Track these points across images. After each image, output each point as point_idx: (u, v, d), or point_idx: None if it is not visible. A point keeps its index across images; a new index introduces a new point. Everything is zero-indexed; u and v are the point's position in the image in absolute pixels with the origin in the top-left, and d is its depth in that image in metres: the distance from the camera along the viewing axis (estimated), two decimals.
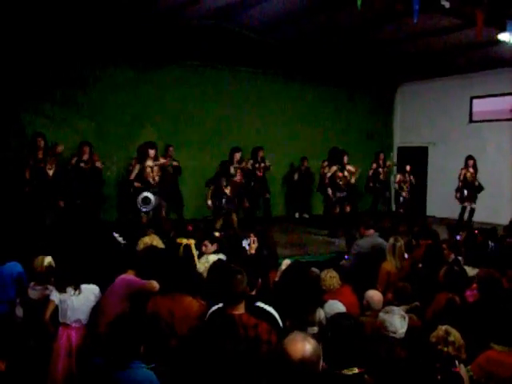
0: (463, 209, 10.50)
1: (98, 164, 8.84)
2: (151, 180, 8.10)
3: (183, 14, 9.02)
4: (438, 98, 13.18)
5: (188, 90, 11.25)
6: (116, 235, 6.26)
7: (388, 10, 8.36)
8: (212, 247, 5.47)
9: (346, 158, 10.00)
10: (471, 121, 12.70)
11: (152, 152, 8.14)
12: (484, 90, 12.23)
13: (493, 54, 10.45)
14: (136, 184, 8.10)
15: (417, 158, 13.39)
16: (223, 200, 8.89)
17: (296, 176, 12.15)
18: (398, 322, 3.51)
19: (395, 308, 3.70)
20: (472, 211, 10.50)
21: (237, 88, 11.82)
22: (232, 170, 9.21)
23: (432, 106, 13.37)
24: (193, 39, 9.85)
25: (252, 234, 5.52)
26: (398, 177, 10.82)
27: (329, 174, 10.00)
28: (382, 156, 11.24)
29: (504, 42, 8.31)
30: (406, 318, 3.58)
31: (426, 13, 7.60)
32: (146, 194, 7.93)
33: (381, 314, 3.62)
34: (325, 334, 3.08)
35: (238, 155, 9.57)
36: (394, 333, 3.49)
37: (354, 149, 12.44)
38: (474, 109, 12.65)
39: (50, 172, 8.07)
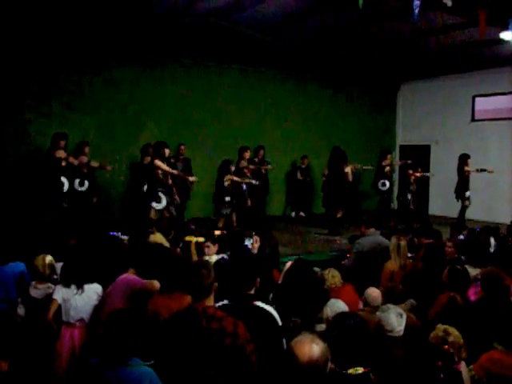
0: (464, 207, 10.45)
1: (109, 167, 9.18)
2: (163, 179, 8.12)
3: (185, 12, 9.01)
4: (441, 96, 13.16)
5: (190, 88, 11.26)
6: (115, 233, 6.25)
7: (389, 8, 8.35)
8: (214, 248, 5.48)
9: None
10: (473, 119, 12.68)
11: (168, 151, 8.14)
12: (486, 89, 12.21)
13: (495, 53, 10.43)
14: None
15: (419, 156, 13.37)
16: (226, 199, 8.95)
17: (299, 175, 12.17)
18: (394, 320, 3.48)
19: (391, 306, 3.65)
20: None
21: (239, 86, 11.84)
22: (233, 169, 9.23)
23: (434, 105, 13.35)
24: (195, 38, 9.85)
25: (254, 233, 5.51)
26: (415, 173, 10.68)
27: (349, 172, 10.00)
28: (388, 156, 11.12)
29: (506, 41, 8.29)
30: (404, 316, 3.55)
31: (428, 11, 7.61)
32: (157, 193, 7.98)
33: (377, 313, 3.60)
34: (329, 333, 3.07)
35: (247, 154, 9.57)
36: (391, 331, 3.46)
37: (355, 148, 12.47)
38: (477, 107, 12.63)
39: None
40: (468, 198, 10.34)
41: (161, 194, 7.95)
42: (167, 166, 8.06)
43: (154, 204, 7.89)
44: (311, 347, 2.31)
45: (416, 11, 6.58)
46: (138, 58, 10.53)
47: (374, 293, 4.26)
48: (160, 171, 7.90)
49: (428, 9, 7.42)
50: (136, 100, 10.66)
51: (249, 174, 9.72)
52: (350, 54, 11.40)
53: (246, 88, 11.92)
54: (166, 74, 11.03)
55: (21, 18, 8.51)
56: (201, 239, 5.65)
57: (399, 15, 8.51)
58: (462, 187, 10.28)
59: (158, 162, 7.85)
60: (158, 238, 5.62)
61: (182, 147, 10.37)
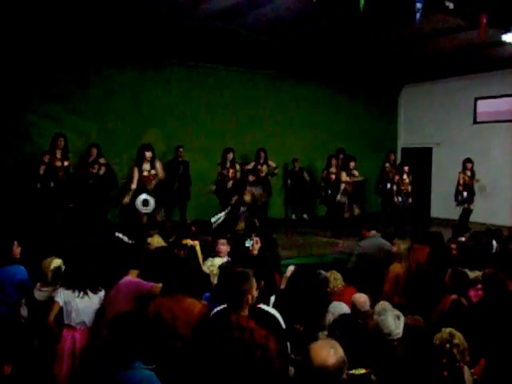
0: (464, 210, 10.44)
1: (101, 171, 9.14)
2: (147, 183, 8.11)
3: (187, 14, 9.02)
4: (442, 98, 13.16)
5: (192, 90, 11.27)
6: (119, 235, 6.26)
7: (391, 10, 8.35)
8: (227, 247, 5.47)
9: (352, 164, 10.03)
10: (475, 122, 12.67)
11: (148, 154, 8.08)
12: (488, 91, 12.20)
13: (497, 55, 10.42)
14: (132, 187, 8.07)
15: (421, 159, 13.38)
16: (241, 208, 9.13)
17: (289, 178, 12.19)
18: (392, 323, 3.45)
19: (388, 309, 3.62)
20: (470, 212, 10.48)
21: (241, 88, 11.85)
22: (250, 178, 9.30)
23: (436, 107, 13.34)
24: (196, 40, 9.86)
25: (255, 235, 5.51)
26: (396, 178, 10.71)
27: (344, 179, 9.99)
28: (392, 156, 11.04)
29: (508, 43, 8.30)
30: (402, 318, 3.52)
31: (430, 14, 7.60)
32: (144, 196, 8.00)
33: (375, 317, 3.56)
34: (331, 335, 3.06)
35: (230, 156, 9.59)
36: (389, 335, 3.43)
37: (356, 150, 12.43)
38: (479, 110, 12.62)
39: (61, 173, 8.14)
40: (464, 201, 10.32)
41: (147, 197, 7.98)
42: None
43: (141, 208, 7.93)
44: (328, 354, 2.30)
45: (418, 13, 6.58)
46: (141, 60, 10.55)
47: (361, 298, 4.25)
48: (144, 175, 8.01)
49: (430, 11, 7.41)
50: (138, 102, 10.67)
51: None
52: (351, 56, 11.39)
53: (247, 90, 11.92)
54: (168, 77, 11.04)
55: (23, 21, 8.52)
56: (196, 243, 5.67)
57: (401, 17, 8.50)
58: (456, 191, 10.37)
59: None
60: (156, 240, 5.63)
61: (181, 149, 10.33)
